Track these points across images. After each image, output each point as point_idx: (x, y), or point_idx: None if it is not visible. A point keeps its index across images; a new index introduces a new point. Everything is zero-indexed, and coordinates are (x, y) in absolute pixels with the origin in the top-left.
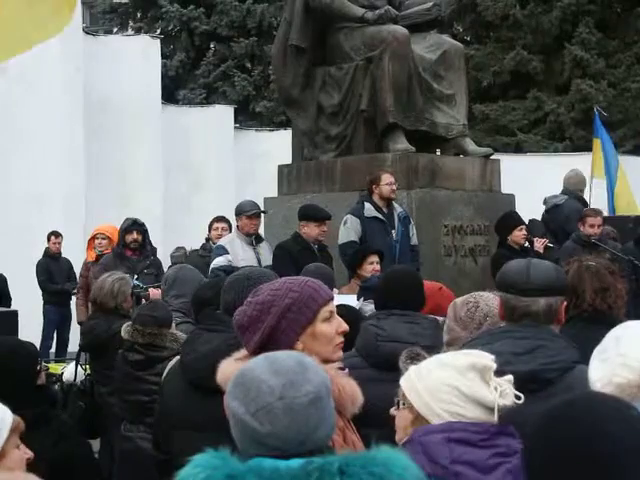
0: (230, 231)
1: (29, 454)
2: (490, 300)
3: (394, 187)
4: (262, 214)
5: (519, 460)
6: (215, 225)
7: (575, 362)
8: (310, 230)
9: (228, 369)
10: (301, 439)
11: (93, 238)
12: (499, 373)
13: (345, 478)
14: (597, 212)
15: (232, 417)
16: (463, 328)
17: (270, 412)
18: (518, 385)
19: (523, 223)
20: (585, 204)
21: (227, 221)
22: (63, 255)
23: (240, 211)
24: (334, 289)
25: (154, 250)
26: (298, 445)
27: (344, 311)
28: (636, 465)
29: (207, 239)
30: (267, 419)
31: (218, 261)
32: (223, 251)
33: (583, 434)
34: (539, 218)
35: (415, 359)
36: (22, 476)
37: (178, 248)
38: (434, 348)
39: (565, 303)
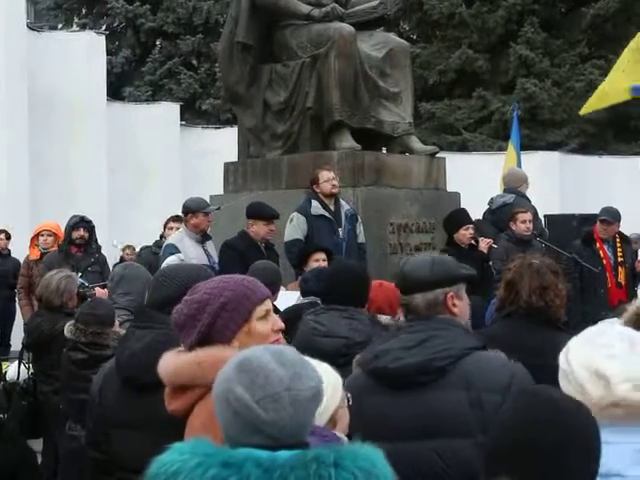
0: None
1: None
2: None
3: (334, 182)
4: None
5: None
6: (171, 224)
7: (471, 348)
8: (259, 228)
9: (171, 362)
10: (297, 431)
11: (36, 235)
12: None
13: (339, 470)
14: (526, 208)
15: (233, 402)
16: None
17: (277, 401)
18: (410, 379)
19: (470, 222)
20: (529, 202)
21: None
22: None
23: (196, 209)
24: (281, 286)
25: (99, 247)
26: (291, 437)
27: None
28: (581, 455)
29: (161, 236)
30: (272, 407)
31: (170, 260)
32: (174, 250)
33: (542, 419)
34: (481, 217)
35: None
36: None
37: (127, 247)
38: (368, 343)
39: (452, 293)
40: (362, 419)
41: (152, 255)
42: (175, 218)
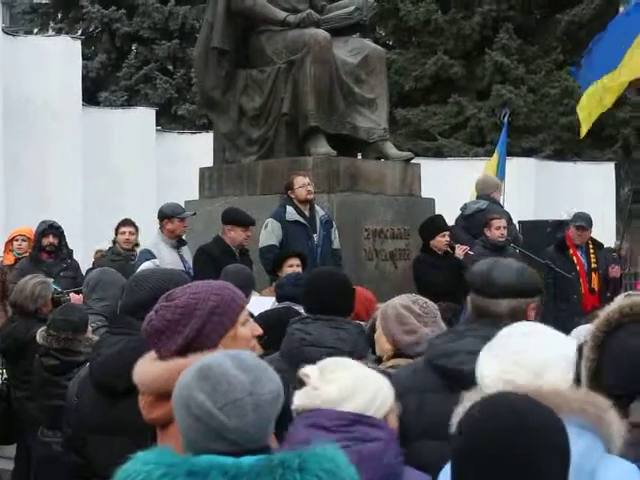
0: (137, 235)
1: None
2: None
3: (309, 188)
4: None
5: (376, 445)
6: (122, 229)
7: None
8: (236, 235)
9: (150, 370)
10: (260, 436)
11: (11, 240)
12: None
13: (304, 474)
14: (501, 214)
15: (195, 409)
16: (424, 324)
17: (240, 407)
18: (473, 384)
19: (447, 229)
20: (502, 208)
21: (133, 224)
22: None
23: (172, 214)
24: (254, 291)
25: (70, 252)
26: (254, 442)
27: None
28: (550, 457)
29: (114, 242)
30: (235, 413)
31: (145, 266)
32: (150, 255)
33: (505, 427)
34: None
35: None
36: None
37: (98, 251)
38: (354, 353)
39: (533, 305)
40: (422, 414)
41: (110, 262)
42: (125, 222)
